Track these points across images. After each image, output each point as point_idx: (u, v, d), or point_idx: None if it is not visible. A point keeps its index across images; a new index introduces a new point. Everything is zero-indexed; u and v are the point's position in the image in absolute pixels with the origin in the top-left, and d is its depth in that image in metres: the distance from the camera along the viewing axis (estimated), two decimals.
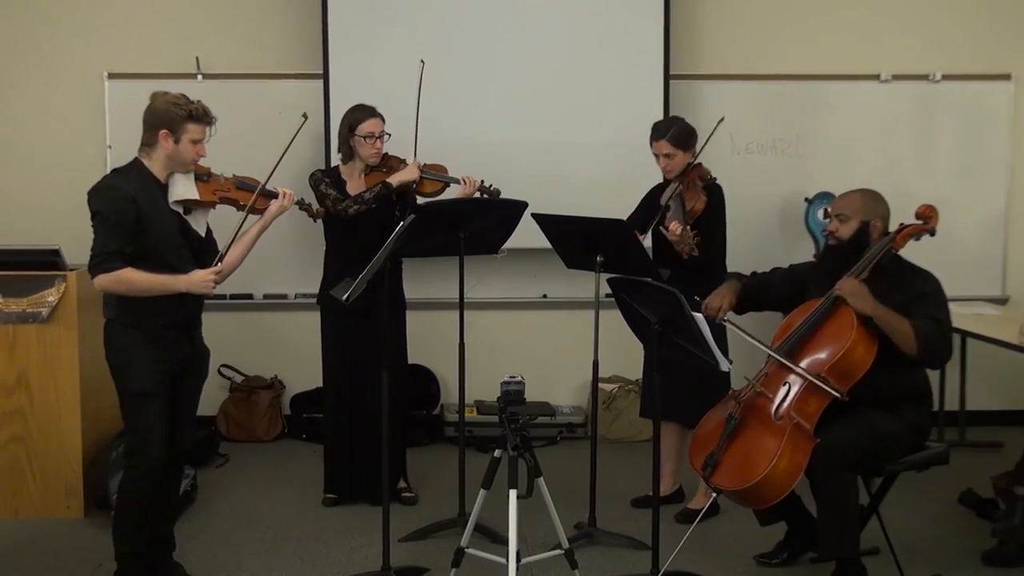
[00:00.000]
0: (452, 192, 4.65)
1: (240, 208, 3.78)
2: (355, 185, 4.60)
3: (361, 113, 4.57)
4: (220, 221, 3.79)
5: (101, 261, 3.41)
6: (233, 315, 5.79)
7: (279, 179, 3.93)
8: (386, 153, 4.64)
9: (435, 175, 4.64)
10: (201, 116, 3.55)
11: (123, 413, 3.61)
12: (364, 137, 4.53)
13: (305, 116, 3.65)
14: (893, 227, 3.79)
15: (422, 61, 4.62)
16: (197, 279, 3.51)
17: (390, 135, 4.62)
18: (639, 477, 4.95)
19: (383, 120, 4.59)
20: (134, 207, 3.43)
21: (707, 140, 4.56)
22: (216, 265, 3.56)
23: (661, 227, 4.35)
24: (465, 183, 4.60)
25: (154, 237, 3.48)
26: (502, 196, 4.61)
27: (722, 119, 4.61)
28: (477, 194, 4.61)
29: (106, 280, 3.42)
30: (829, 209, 3.94)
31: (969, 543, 4.23)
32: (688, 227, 4.26)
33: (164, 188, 3.59)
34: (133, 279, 3.43)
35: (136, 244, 3.43)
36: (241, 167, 3.82)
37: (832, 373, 3.53)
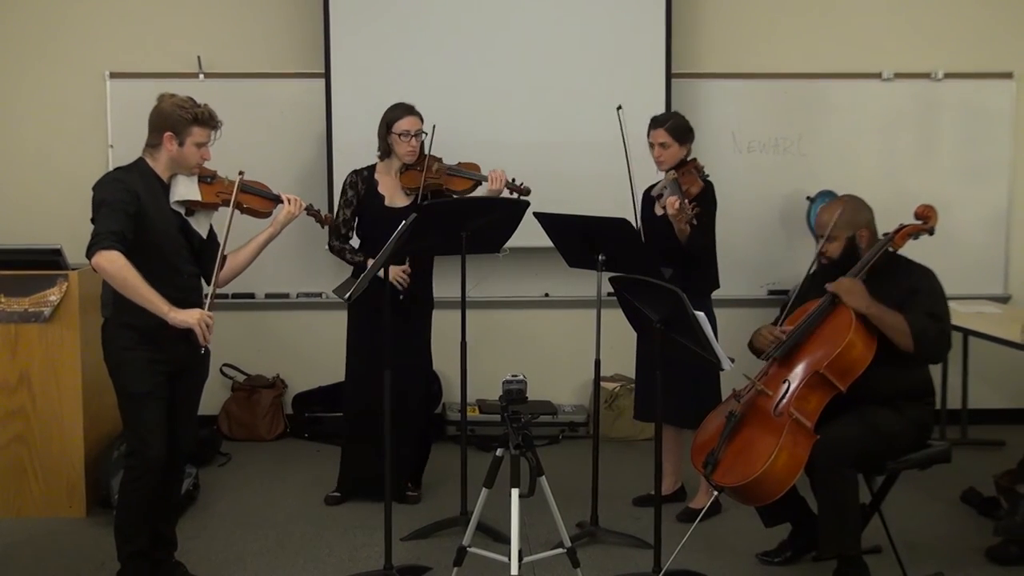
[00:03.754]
0: (481, 190, 4.64)
1: (243, 211, 3.78)
2: (388, 183, 4.62)
3: (399, 111, 4.59)
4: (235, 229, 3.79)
5: (101, 239, 3.34)
6: (235, 314, 5.79)
7: (283, 181, 3.94)
8: (424, 152, 4.64)
9: (466, 173, 4.62)
10: (207, 120, 3.55)
11: (121, 413, 3.61)
12: (400, 135, 4.55)
13: (241, 173, 3.65)
14: (885, 227, 3.80)
15: (433, 126, 4.57)
16: (188, 316, 3.39)
17: (427, 134, 4.62)
18: (641, 476, 4.95)
19: (421, 119, 4.60)
20: (137, 201, 3.43)
21: (622, 133, 4.52)
22: (207, 306, 3.48)
23: (659, 207, 4.35)
24: (492, 180, 4.57)
25: (154, 235, 3.48)
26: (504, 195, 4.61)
27: (620, 107, 4.62)
28: (506, 191, 4.58)
29: (102, 259, 3.32)
30: (814, 227, 3.93)
31: (971, 541, 4.23)
32: (687, 201, 4.24)
33: (167, 188, 3.59)
34: (128, 268, 3.33)
35: (136, 238, 3.41)
36: (242, 166, 3.81)
37: (831, 369, 3.53)
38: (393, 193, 4.62)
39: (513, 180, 4.61)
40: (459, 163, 4.66)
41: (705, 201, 4.40)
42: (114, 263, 3.33)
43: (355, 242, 4.67)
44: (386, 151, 4.64)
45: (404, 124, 4.55)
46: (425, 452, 4.87)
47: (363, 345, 4.67)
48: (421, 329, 4.69)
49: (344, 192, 4.65)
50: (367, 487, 4.69)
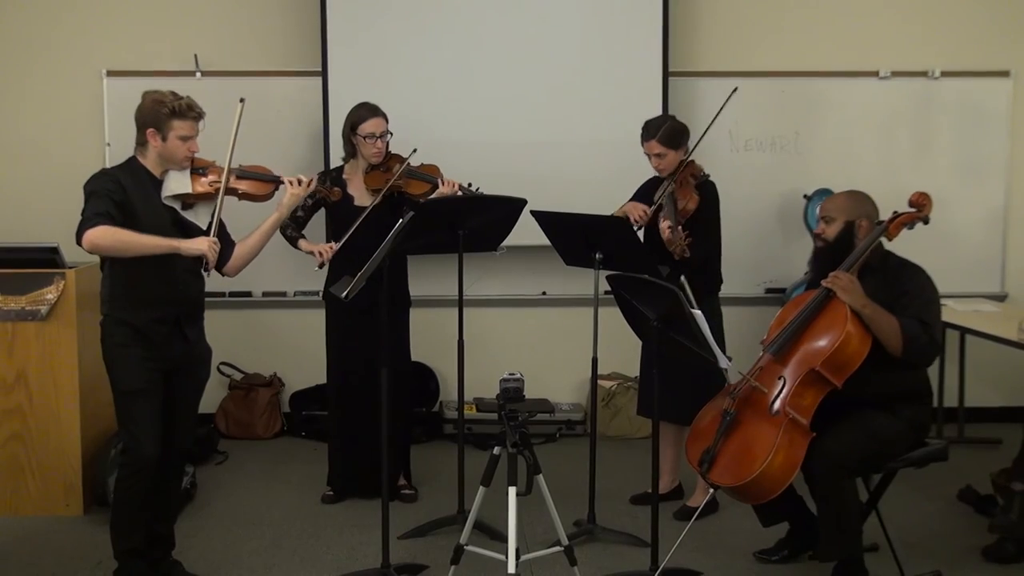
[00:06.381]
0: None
1: (241, 197, 3.78)
2: (356, 184, 4.61)
3: (363, 112, 4.57)
4: (243, 220, 3.84)
5: (87, 221, 3.37)
6: (232, 312, 5.78)
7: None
8: (389, 152, 4.64)
9: (423, 176, 4.60)
10: (184, 112, 3.54)
11: (116, 410, 3.62)
12: (365, 137, 4.54)
13: (242, 100, 3.66)
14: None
15: (414, 150, 4.55)
16: (199, 244, 3.46)
17: (392, 134, 4.61)
18: (638, 474, 4.95)
19: (386, 119, 4.59)
20: (122, 191, 3.46)
21: (720, 110, 4.55)
22: (212, 237, 3.53)
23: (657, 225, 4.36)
24: (444, 185, 4.54)
25: (143, 230, 3.46)
26: (501, 194, 4.60)
27: (735, 89, 4.61)
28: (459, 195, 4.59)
29: (92, 235, 3.35)
30: (818, 211, 3.94)
31: (968, 540, 4.23)
32: (680, 227, 4.26)
33: (159, 184, 3.60)
34: (118, 231, 3.37)
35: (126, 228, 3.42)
36: (240, 163, 3.82)
37: (827, 366, 3.52)
38: (361, 193, 4.60)
39: (468, 185, 4.60)
40: (421, 164, 4.64)
41: (705, 207, 4.40)
42: (103, 234, 3.36)
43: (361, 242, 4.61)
44: (351, 152, 4.64)
45: (369, 127, 4.54)
46: (404, 448, 4.85)
47: (341, 344, 4.68)
48: (397, 328, 4.67)
49: (316, 192, 4.61)
50: (353, 484, 4.72)
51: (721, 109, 4.54)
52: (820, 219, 3.83)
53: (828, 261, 3.73)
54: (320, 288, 4.85)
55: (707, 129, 4.51)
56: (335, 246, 4.44)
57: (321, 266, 4.45)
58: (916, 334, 3.54)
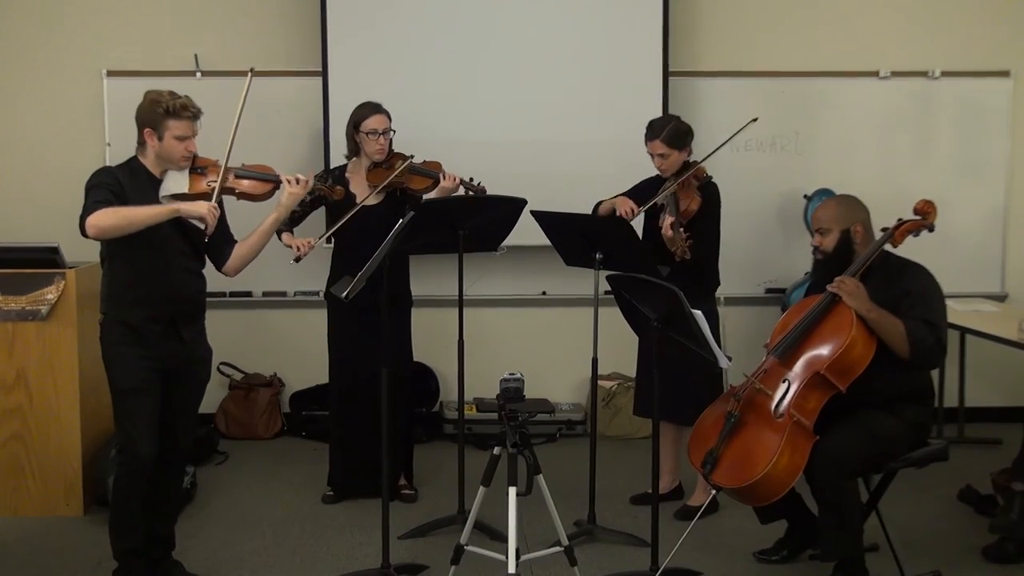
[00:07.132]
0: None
1: (240, 197, 3.78)
2: (359, 181, 4.61)
3: (366, 110, 4.59)
4: (244, 220, 3.85)
5: (87, 210, 3.38)
6: (232, 312, 5.78)
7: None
8: (392, 150, 4.64)
9: (425, 171, 4.61)
10: (179, 111, 3.53)
11: (113, 410, 3.62)
12: (368, 134, 4.54)
13: (251, 70, 3.67)
14: (879, 225, 3.79)
15: (412, 156, 4.58)
16: (198, 207, 3.48)
17: (395, 131, 4.62)
18: (638, 474, 4.95)
19: (389, 117, 4.60)
20: (120, 187, 3.47)
21: (731, 137, 4.65)
22: (215, 198, 3.57)
23: (659, 225, 4.37)
24: (446, 179, 4.56)
25: (144, 230, 3.46)
26: (502, 194, 4.60)
27: (755, 119, 4.71)
28: (461, 190, 4.59)
29: (95, 217, 3.35)
30: (810, 223, 3.94)
31: (968, 540, 4.23)
32: (681, 229, 4.26)
33: (159, 183, 3.61)
34: (118, 209, 3.38)
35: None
36: (243, 162, 3.82)
37: (832, 370, 3.52)
38: (364, 191, 4.60)
39: (471, 180, 4.61)
40: (424, 162, 4.65)
41: (706, 209, 4.40)
42: (104, 215, 3.36)
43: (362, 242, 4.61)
44: (353, 150, 4.65)
45: (372, 123, 4.55)
46: (407, 448, 4.86)
47: (343, 344, 4.68)
48: (400, 328, 4.68)
49: (314, 191, 4.60)
50: (353, 485, 4.72)
51: (733, 136, 4.64)
52: (815, 231, 3.83)
53: (831, 272, 3.71)
54: (321, 288, 4.86)
55: (717, 149, 4.56)
56: (314, 242, 4.44)
57: (297, 260, 4.43)
58: (922, 336, 3.53)
